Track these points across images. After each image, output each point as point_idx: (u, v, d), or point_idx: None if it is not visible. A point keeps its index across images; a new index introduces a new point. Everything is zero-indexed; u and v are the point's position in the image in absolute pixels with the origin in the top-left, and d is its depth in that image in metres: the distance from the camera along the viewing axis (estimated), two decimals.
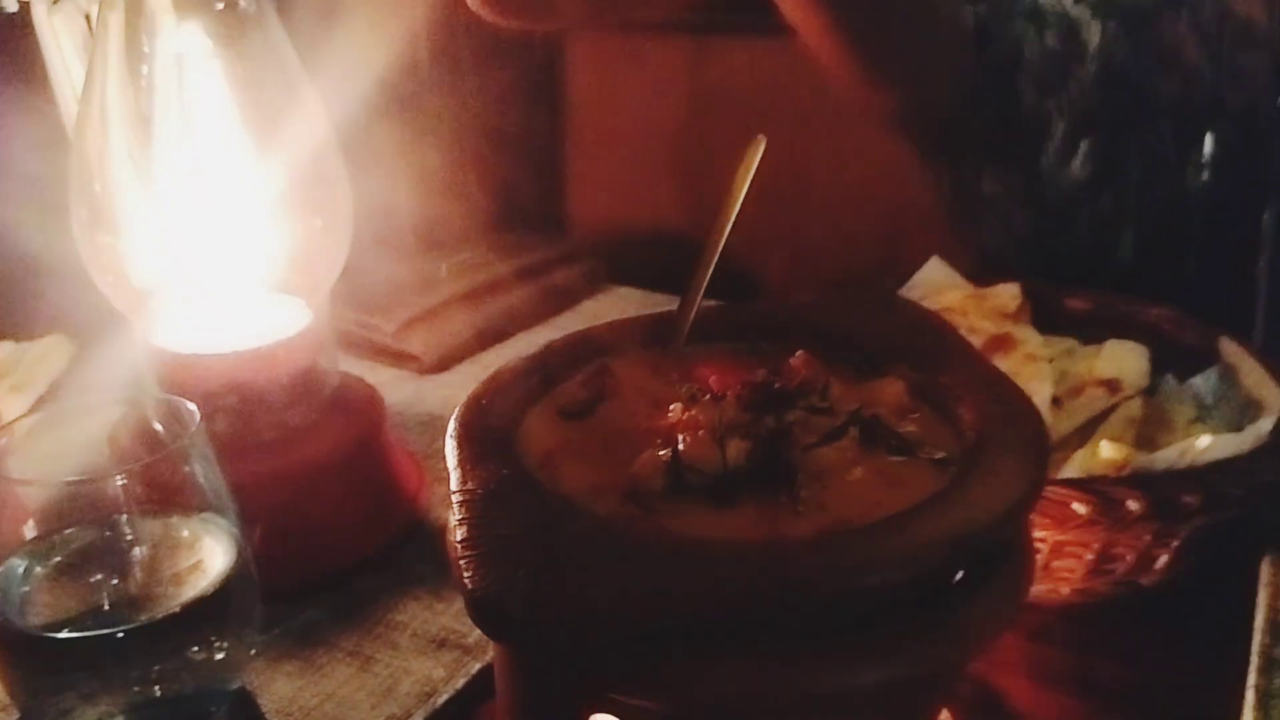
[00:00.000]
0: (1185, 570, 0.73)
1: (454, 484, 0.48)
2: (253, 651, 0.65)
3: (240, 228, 0.77)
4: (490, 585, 0.42)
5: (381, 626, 0.71)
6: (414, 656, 0.69)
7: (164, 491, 0.62)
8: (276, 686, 0.67)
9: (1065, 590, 0.72)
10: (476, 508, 0.46)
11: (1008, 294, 0.95)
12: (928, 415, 0.55)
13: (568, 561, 0.42)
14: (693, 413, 0.52)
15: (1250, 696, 0.64)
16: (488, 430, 0.52)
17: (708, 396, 0.53)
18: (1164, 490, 0.66)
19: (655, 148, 1.45)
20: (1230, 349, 0.85)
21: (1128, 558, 0.71)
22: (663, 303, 1.23)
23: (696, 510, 0.48)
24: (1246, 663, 0.66)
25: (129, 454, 0.65)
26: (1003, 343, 0.86)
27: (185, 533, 0.64)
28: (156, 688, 0.61)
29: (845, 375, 0.59)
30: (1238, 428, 0.80)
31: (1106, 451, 0.69)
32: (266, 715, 0.65)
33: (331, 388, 0.80)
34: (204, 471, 0.63)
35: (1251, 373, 0.82)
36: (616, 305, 1.24)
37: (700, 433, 0.51)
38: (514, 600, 0.41)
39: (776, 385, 0.55)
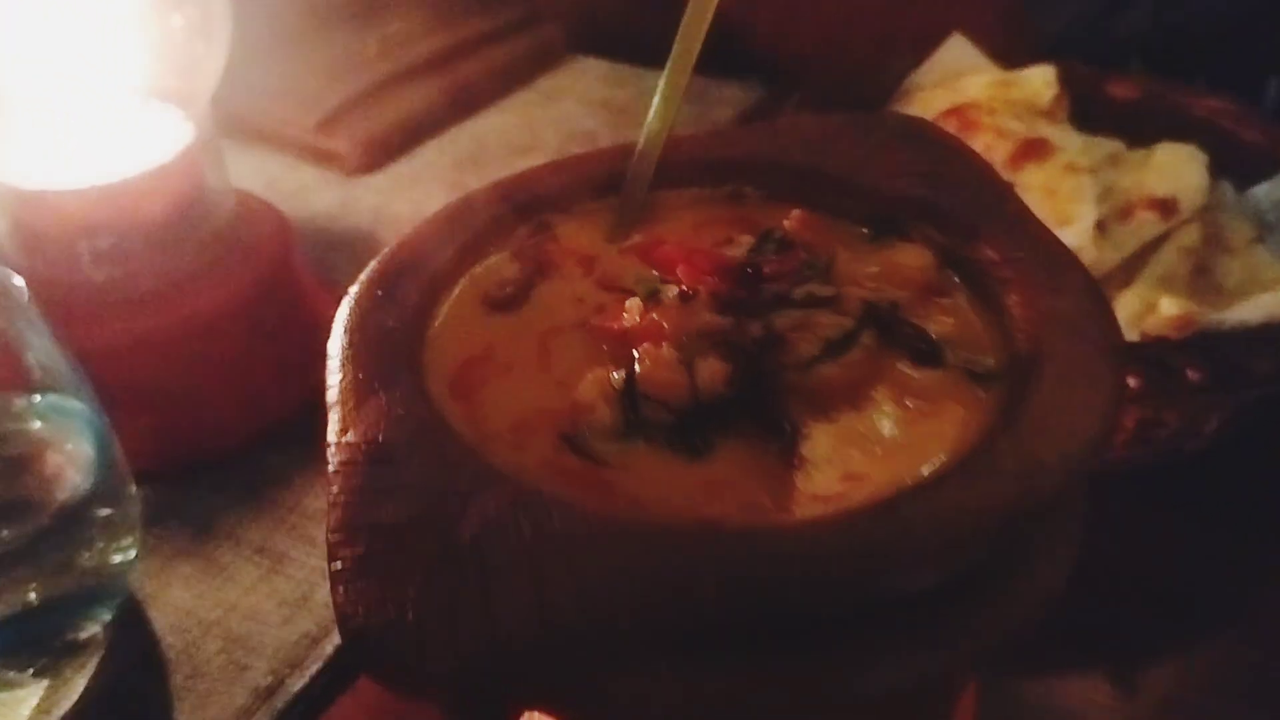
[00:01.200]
0: (1237, 432, 0.63)
1: (331, 432, 0.36)
2: (133, 555, 0.54)
3: (93, 25, 0.60)
4: (368, 613, 0.30)
5: (295, 515, 0.61)
6: None
7: None
8: (172, 594, 0.57)
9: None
10: (358, 476, 0.34)
11: (1041, 80, 0.79)
12: (963, 301, 0.42)
13: (476, 563, 0.30)
14: (653, 315, 0.39)
15: None
16: (383, 338, 0.39)
17: (674, 292, 0.40)
18: (1232, 356, 0.55)
19: None
20: None
21: (1173, 424, 0.60)
22: (632, 78, 1.06)
23: (657, 461, 0.36)
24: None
25: None
26: (1036, 149, 0.71)
27: (29, 425, 0.53)
28: (22, 605, 0.51)
29: (854, 237, 0.46)
30: None
31: (1167, 308, 0.57)
32: (159, 632, 0.55)
33: (224, 218, 0.66)
34: (43, 349, 0.51)
35: None
36: (579, 81, 1.07)
37: (663, 347, 0.38)
38: (399, 639, 0.29)
39: (765, 271, 0.41)
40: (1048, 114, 0.76)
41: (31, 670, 0.52)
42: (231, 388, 0.64)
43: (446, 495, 0.33)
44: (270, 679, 0.52)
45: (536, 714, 0.38)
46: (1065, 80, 0.79)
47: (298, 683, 0.52)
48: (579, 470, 0.36)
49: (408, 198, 0.87)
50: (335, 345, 0.39)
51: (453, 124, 0.98)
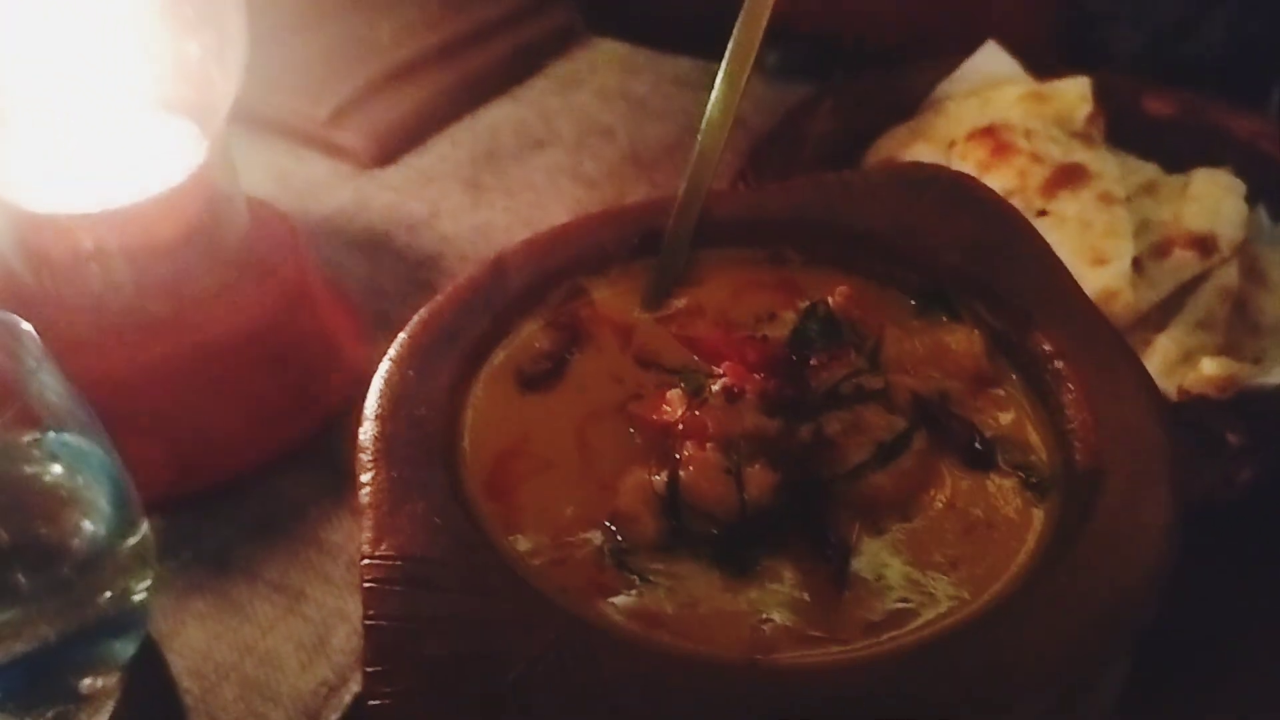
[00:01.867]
0: (1270, 483, 0.62)
1: (364, 543, 0.34)
2: (144, 593, 0.53)
3: (105, 43, 0.58)
4: None
5: (311, 549, 0.59)
6: (349, 592, 0.57)
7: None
8: (188, 633, 0.56)
9: None
10: (396, 600, 0.32)
11: (1075, 93, 0.77)
12: (1015, 392, 0.41)
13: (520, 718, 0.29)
14: (697, 413, 0.38)
15: None
16: (416, 431, 0.38)
17: (718, 387, 0.38)
18: (1274, 418, 0.54)
19: None
20: None
21: (1206, 477, 0.59)
22: (652, 64, 1.03)
23: (700, 579, 0.35)
24: None
25: None
26: (1072, 175, 0.69)
27: (33, 470, 0.51)
28: (34, 663, 0.50)
29: (901, 310, 0.45)
30: None
31: (1209, 369, 0.55)
32: (176, 675, 0.54)
33: (238, 238, 0.64)
34: (55, 392, 0.49)
35: None
36: (597, 68, 1.03)
37: (708, 449, 0.37)
38: None
39: (813, 363, 0.40)
40: (1083, 134, 0.74)
41: (48, 717, 0.51)
42: (246, 413, 0.62)
43: (490, 630, 0.32)
44: None
45: None
46: (1100, 93, 0.77)
47: None
48: (619, 584, 0.35)
49: (422, 196, 0.85)
50: (367, 436, 0.38)
51: (466, 114, 0.95)
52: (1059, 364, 0.40)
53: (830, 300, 0.43)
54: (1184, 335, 0.61)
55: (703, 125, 0.47)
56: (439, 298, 0.43)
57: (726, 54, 0.47)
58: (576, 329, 0.44)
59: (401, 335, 0.42)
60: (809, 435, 0.37)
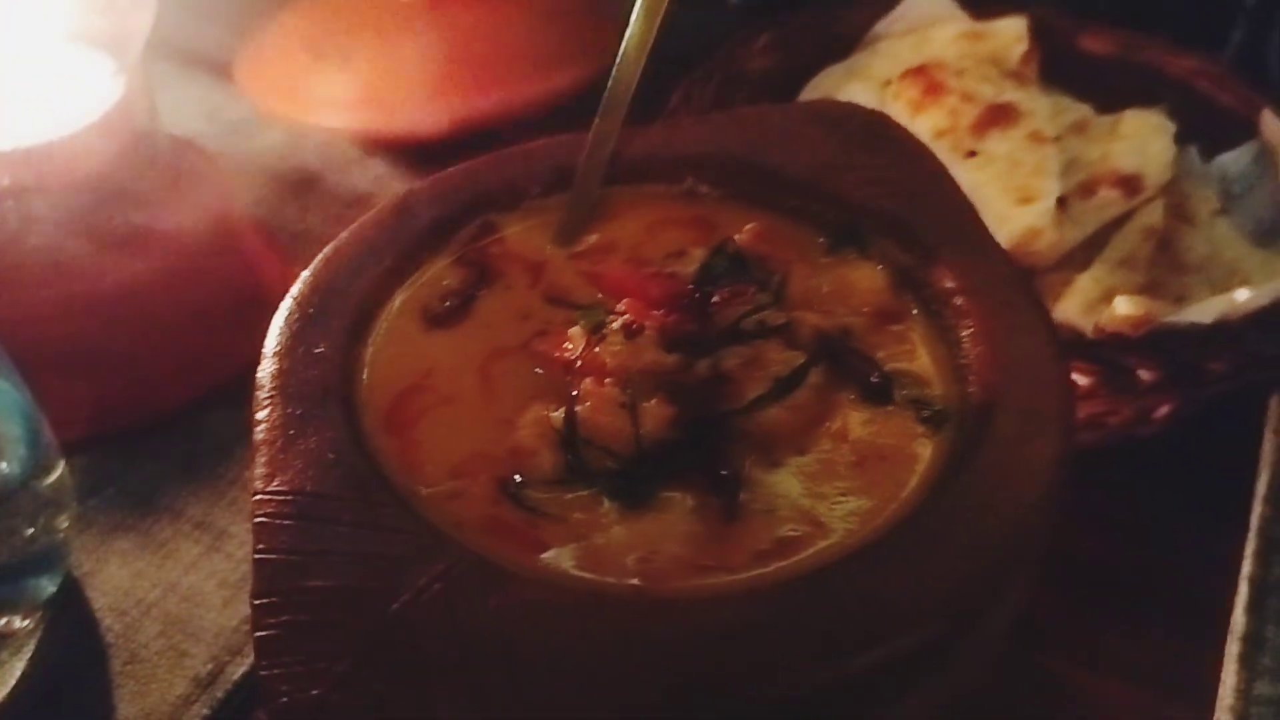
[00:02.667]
0: (1188, 418, 0.63)
1: (257, 478, 0.34)
2: (63, 531, 0.53)
3: None
4: (294, 692, 0.29)
5: (235, 488, 0.59)
6: None
7: None
8: (110, 571, 0.56)
9: None
10: (285, 535, 0.33)
11: (1011, 33, 0.77)
12: (916, 327, 0.41)
13: (405, 651, 0.30)
14: (597, 350, 0.38)
15: (1244, 591, 0.55)
16: (313, 368, 0.38)
17: (618, 324, 0.38)
18: (1185, 356, 0.54)
19: None
20: (1273, 125, 0.70)
21: (1124, 413, 0.60)
22: None
23: (597, 515, 0.35)
24: (1244, 538, 0.57)
25: None
26: (1002, 114, 0.69)
27: None
28: None
29: (810, 248, 0.45)
30: (1269, 228, 0.67)
31: (1123, 308, 0.56)
32: (98, 613, 0.54)
33: (159, 173, 0.63)
34: None
35: None
36: None
37: (606, 386, 0.37)
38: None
39: (715, 300, 0.40)
40: (1017, 73, 0.73)
41: None
42: (168, 353, 0.62)
43: (379, 563, 0.32)
44: (210, 666, 0.52)
45: None
46: (1037, 32, 0.77)
47: (238, 670, 0.51)
48: (516, 525, 0.35)
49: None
50: (263, 375, 0.38)
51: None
52: (960, 300, 0.40)
53: (738, 238, 0.43)
54: (1106, 274, 0.62)
55: (617, 59, 0.47)
56: (342, 235, 0.43)
57: (635, 10, 0.46)
58: (485, 266, 0.44)
59: (304, 273, 0.42)
60: (707, 370, 0.38)
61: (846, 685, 0.31)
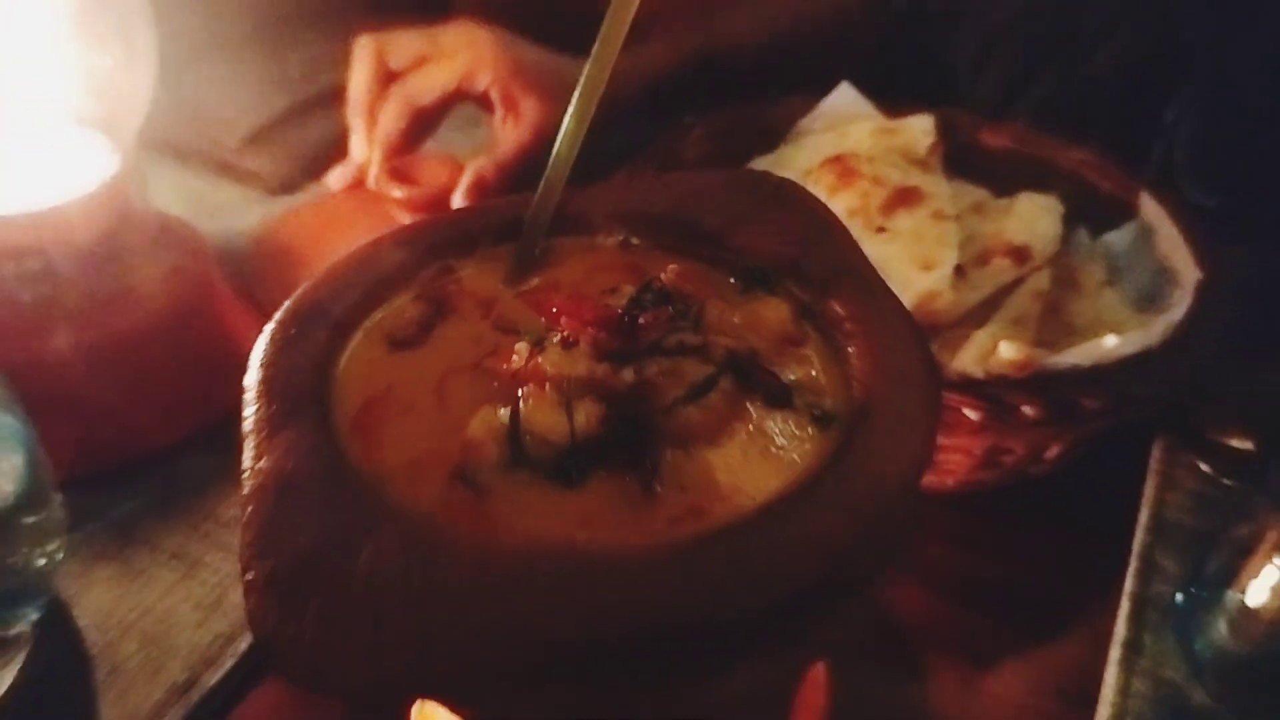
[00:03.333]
0: (1077, 459, 0.70)
1: (246, 458, 0.40)
2: (58, 559, 0.58)
3: (20, 55, 0.64)
4: (275, 624, 0.35)
5: (209, 523, 0.65)
6: None
7: None
8: (93, 595, 0.60)
9: (949, 483, 0.69)
10: (268, 502, 0.38)
11: (920, 128, 0.86)
12: (814, 350, 0.48)
13: (366, 595, 0.35)
14: (538, 360, 0.45)
15: (1125, 606, 0.62)
16: (294, 376, 0.44)
17: (557, 339, 0.45)
18: (1063, 394, 0.62)
19: None
20: (1150, 207, 0.79)
21: (1018, 451, 0.67)
22: None
23: (537, 492, 0.41)
24: (1126, 564, 0.64)
25: None
26: (908, 196, 0.78)
27: None
28: None
29: (725, 286, 0.52)
30: (1149, 296, 0.75)
31: (1007, 352, 0.63)
32: (83, 631, 0.59)
33: (147, 242, 0.69)
34: None
35: (1168, 237, 0.76)
36: None
37: (546, 388, 0.43)
38: (299, 651, 0.34)
39: (640, 322, 0.47)
40: (923, 162, 0.83)
41: None
42: (151, 400, 0.68)
43: (344, 529, 0.37)
44: (186, 675, 0.56)
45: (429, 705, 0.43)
46: (943, 128, 0.86)
47: (212, 678, 0.56)
48: (466, 503, 0.41)
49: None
50: (251, 379, 0.44)
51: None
52: (849, 325, 0.47)
53: (663, 276, 0.50)
54: (999, 330, 0.69)
55: (551, 157, 0.53)
56: (320, 272, 0.50)
57: (575, 94, 0.52)
58: (443, 301, 0.50)
59: (286, 303, 0.48)
60: (632, 377, 0.44)
61: (741, 623, 0.37)
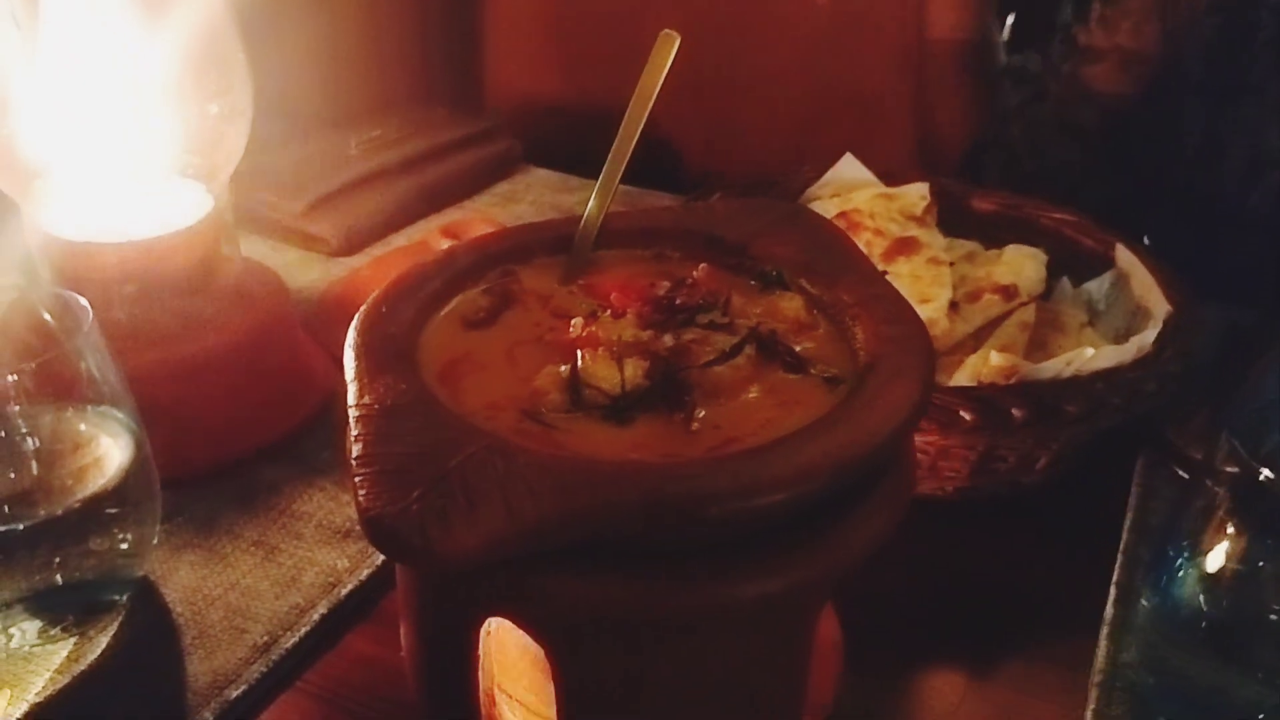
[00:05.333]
0: (1065, 470, 0.77)
1: (351, 397, 0.48)
2: (154, 541, 0.65)
3: (134, 109, 0.74)
4: (384, 506, 0.42)
5: (286, 517, 0.72)
6: (318, 547, 0.70)
7: (58, 386, 0.62)
8: (180, 576, 0.67)
9: (949, 489, 0.76)
10: (373, 424, 0.46)
11: (916, 194, 0.96)
12: (825, 332, 0.57)
13: (461, 483, 0.43)
14: (593, 329, 0.53)
15: (1112, 592, 0.68)
16: (387, 340, 0.52)
17: (608, 313, 0.54)
18: (1047, 399, 0.69)
19: (580, 21, 1.41)
20: (1124, 256, 0.88)
21: (1010, 459, 0.74)
22: (579, 186, 1.22)
23: (594, 427, 0.49)
24: (1112, 566, 0.70)
25: (19, 346, 0.63)
26: (907, 245, 0.87)
27: (82, 427, 0.64)
28: (58, 576, 0.61)
29: (747, 287, 0.60)
30: (1125, 333, 0.83)
31: (995, 360, 0.71)
32: (171, 604, 0.66)
33: (233, 275, 0.79)
34: (98, 365, 0.62)
35: (1141, 281, 0.85)
36: (532, 188, 1.22)
37: (599, 351, 0.52)
38: (406, 523, 0.41)
39: (677, 301, 0.55)
40: (919, 219, 0.92)
41: (61, 627, 0.62)
42: (234, 412, 0.76)
43: (439, 442, 0.45)
44: (266, 638, 0.63)
45: (495, 620, 0.50)
46: (937, 193, 0.96)
47: (289, 640, 0.62)
48: (536, 433, 0.49)
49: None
50: (351, 340, 0.52)
51: (421, 218, 1.12)
52: (854, 309, 0.56)
53: (695, 274, 0.59)
54: (988, 354, 0.77)
55: (598, 183, 0.62)
56: (405, 270, 0.58)
57: (599, 181, 0.61)
58: (508, 295, 0.59)
59: (377, 290, 0.57)
60: (672, 341, 0.52)
61: (768, 514, 0.44)
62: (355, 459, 0.45)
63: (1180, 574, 0.63)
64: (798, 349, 0.55)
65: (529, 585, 0.45)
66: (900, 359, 0.51)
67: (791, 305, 0.58)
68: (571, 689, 0.49)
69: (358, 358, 0.51)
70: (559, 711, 0.50)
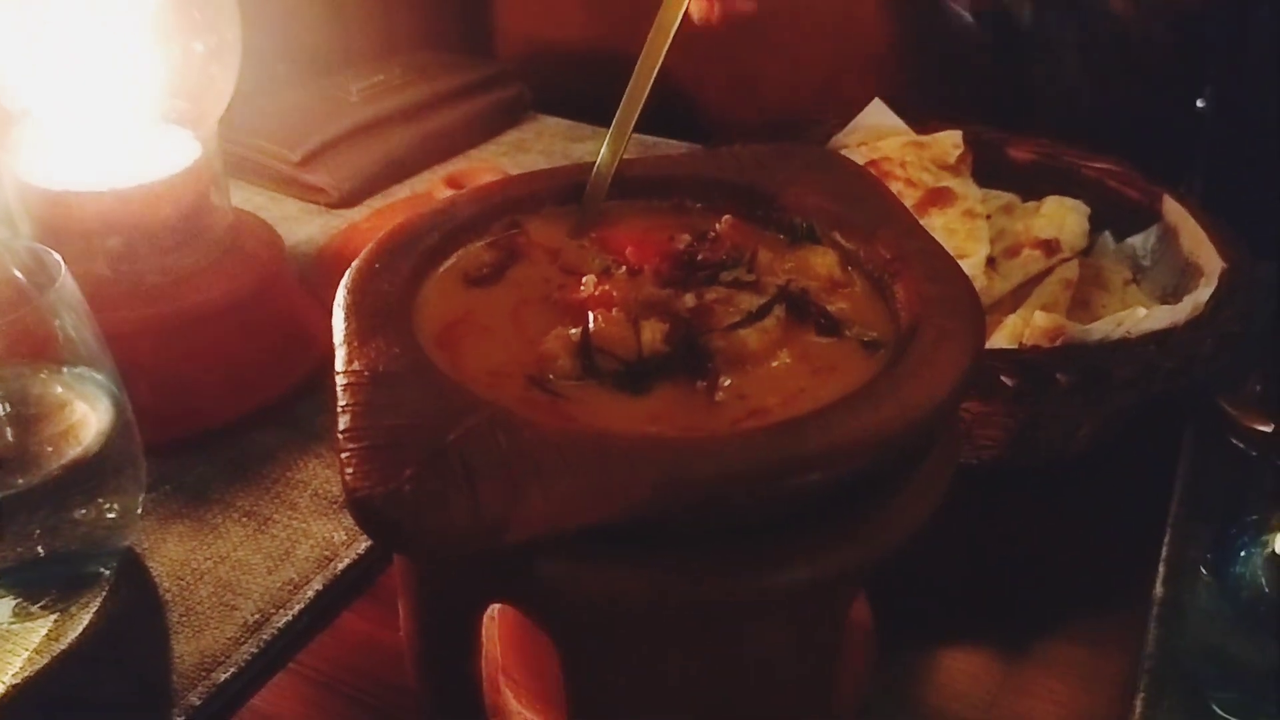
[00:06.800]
0: (1107, 440, 0.72)
1: (339, 363, 0.44)
2: (139, 510, 0.61)
3: (115, 47, 0.69)
4: (373, 486, 0.38)
5: (280, 485, 0.68)
6: (314, 518, 0.65)
7: (30, 346, 0.57)
8: (167, 548, 0.63)
9: (986, 457, 0.71)
10: (363, 393, 0.42)
11: (949, 141, 0.90)
12: (860, 290, 0.52)
13: (459, 463, 0.38)
14: (606, 287, 0.48)
15: (1161, 570, 0.64)
16: (380, 299, 0.48)
17: (623, 269, 0.49)
18: (1096, 363, 0.64)
19: None
20: (1172, 208, 0.82)
21: (1053, 427, 0.69)
22: (592, 135, 1.17)
23: (607, 397, 0.44)
24: (1162, 536, 0.66)
25: None
26: (940, 197, 0.82)
27: (58, 389, 0.60)
28: (39, 548, 0.58)
29: (775, 241, 0.55)
30: (1173, 291, 0.78)
31: (1040, 320, 0.66)
32: (157, 578, 0.62)
33: (224, 228, 0.74)
34: (74, 323, 0.58)
35: (1191, 235, 0.79)
36: (542, 136, 1.17)
37: (614, 311, 0.47)
38: (397, 506, 0.37)
39: (699, 257, 0.50)
40: (953, 169, 0.86)
41: (41, 604, 0.58)
42: (224, 373, 0.71)
43: (434, 414, 0.41)
44: (257, 616, 0.59)
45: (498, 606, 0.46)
46: (971, 142, 0.90)
47: (282, 619, 0.58)
48: (543, 403, 0.44)
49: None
50: (341, 299, 0.47)
51: (425, 168, 1.07)
52: (894, 265, 0.51)
53: (718, 226, 0.54)
54: (1029, 313, 0.72)
55: (613, 123, 0.57)
56: (401, 221, 0.53)
57: (612, 126, 0.56)
58: (514, 249, 0.54)
59: (370, 244, 0.52)
60: (693, 301, 0.47)
61: (799, 498, 0.40)
62: (342, 432, 0.40)
63: (1242, 554, 0.59)
64: (831, 310, 0.50)
65: (534, 573, 0.40)
66: (945, 321, 0.46)
67: (824, 261, 0.53)
68: (581, 680, 0.45)
69: (347, 319, 0.46)
70: (567, 704, 0.46)
